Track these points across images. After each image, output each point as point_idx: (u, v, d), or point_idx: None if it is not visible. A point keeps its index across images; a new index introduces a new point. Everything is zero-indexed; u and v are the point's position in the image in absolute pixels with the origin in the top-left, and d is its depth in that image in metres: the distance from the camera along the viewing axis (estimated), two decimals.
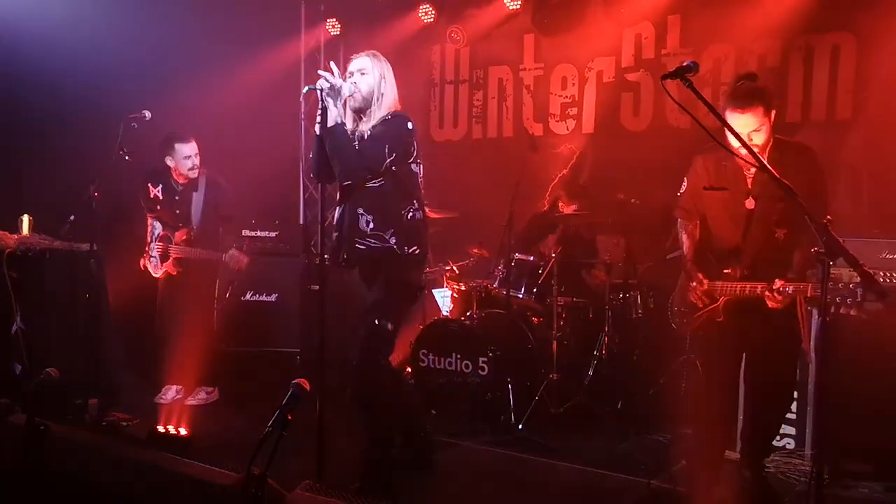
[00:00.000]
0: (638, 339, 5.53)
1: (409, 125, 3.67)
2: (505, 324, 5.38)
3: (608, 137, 6.40)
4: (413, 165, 3.71)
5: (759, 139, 3.34)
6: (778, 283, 3.29)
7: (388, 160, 3.57)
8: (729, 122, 3.23)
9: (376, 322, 3.61)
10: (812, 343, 3.52)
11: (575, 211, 5.76)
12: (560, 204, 5.94)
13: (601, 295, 5.47)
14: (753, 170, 3.42)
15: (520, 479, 4.20)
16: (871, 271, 2.45)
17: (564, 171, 6.10)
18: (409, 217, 3.69)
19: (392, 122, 3.65)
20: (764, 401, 3.71)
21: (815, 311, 3.98)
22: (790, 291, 3.28)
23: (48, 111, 5.67)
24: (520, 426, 4.84)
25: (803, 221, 3.29)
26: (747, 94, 3.34)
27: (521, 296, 5.50)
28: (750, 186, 3.48)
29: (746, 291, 3.43)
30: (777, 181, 2.62)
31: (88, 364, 4.75)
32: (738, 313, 3.51)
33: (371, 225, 3.63)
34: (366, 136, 3.61)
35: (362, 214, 3.64)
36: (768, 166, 2.72)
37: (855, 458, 4.00)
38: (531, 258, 5.55)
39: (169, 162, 5.35)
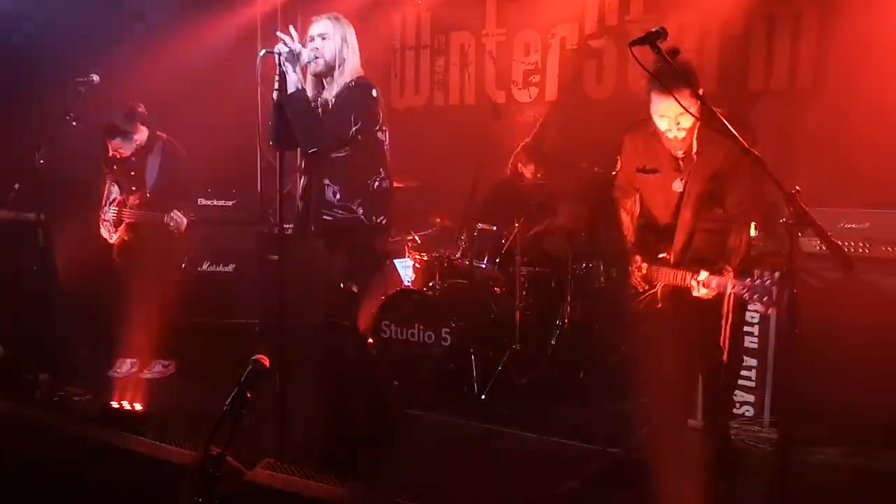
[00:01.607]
0: (600, 309, 5.53)
1: (374, 92, 3.59)
2: (468, 294, 5.34)
3: (571, 105, 6.34)
4: (379, 133, 3.63)
5: (686, 122, 3.21)
6: (703, 275, 3.25)
7: (354, 128, 3.49)
8: (653, 104, 3.16)
9: (340, 285, 3.58)
10: (727, 341, 3.40)
11: (537, 179, 5.72)
12: (521, 170, 5.88)
13: (564, 264, 5.45)
14: (681, 152, 3.35)
15: (483, 449, 4.20)
16: (838, 242, 2.44)
17: (527, 139, 6.03)
18: (375, 186, 3.63)
19: (356, 90, 3.55)
20: (713, 380, 3.73)
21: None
22: (713, 285, 3.24)
23: None
24: (483, 396, 4.83)
25: (737, 202, 3.32)
26: (670, 74, 3.06)
27: (483, 266, 5.45)
28: (680, 167, 3.39)
29: (678, 280, 3.38)
30: (745, 150, 2.59)
31: (38, 338, 4.60)
32: (676, 300, 3.47)
33: (338, 196, 3.57)
34: (329, 104, 3.51)
35: (328, 185, 3.57)
36: (736, 133, 2.66)
37: (812, 424, 4.06)
38: (494, 227, 5.50)
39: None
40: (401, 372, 5.13)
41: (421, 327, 5.12)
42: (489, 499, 3.59)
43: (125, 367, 5.29)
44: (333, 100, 3.53)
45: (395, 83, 7.19)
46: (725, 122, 2.69)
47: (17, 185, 4.54)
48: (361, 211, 3.58)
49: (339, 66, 3.56)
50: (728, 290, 3.20)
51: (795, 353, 2.71)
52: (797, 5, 5.44)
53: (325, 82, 3.60)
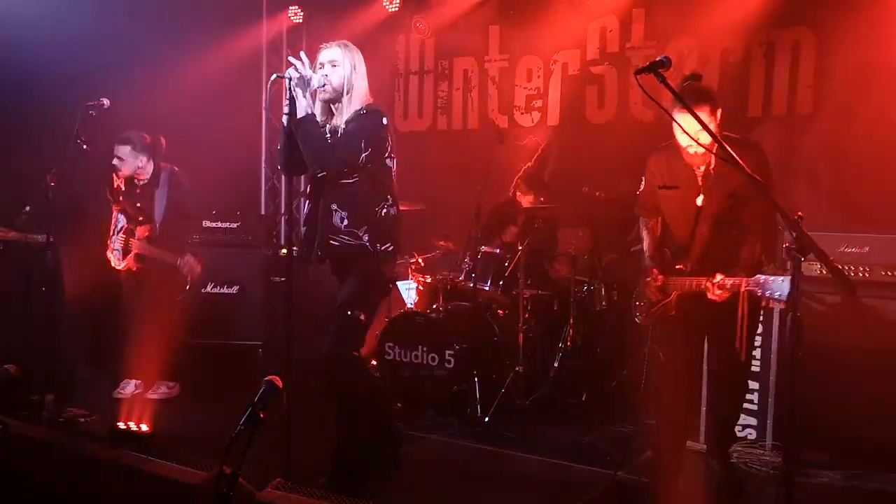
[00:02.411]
0: (602, 331, 5.58)
1: (384, 120, 3.61)
2: (471, 316, 5.37)
3: (573, 130, 6.43)
4: (388, 160, 3.65)
5: (706, 139, 3.31)
6: (718, 277, 3.41)
7: (364, 154, 3.51)
8: (675, 121, 3.27)
9: (349, 313, 3.57)
10: (745, 341, 3.50)
11: (538, 203, 5.77)
12: (519, 196, 5.95)
13: (566, 287, 5.49)
14: (702, 168, 3.53)
15: (487, 471, 4.21)
16: (841, 267, 2.48)
17: (529, 164, 6.10)
18: (382, 214, 3.64)
19: (367, 117, 3.57)
20: (720, 388, 3.86)
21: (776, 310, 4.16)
22: (728, 285, 3.38)
23: (3, 99, 5.49)
24: (486, 418, 4.85)
25: (751, 218, 3.50)
26: (693, 94, 3.37)
27: (487, 288, 5.49)
28: (700, 184, 3.56)
29: (693, 286, 3.52)
30: (748, 177, 2.64)
31: (44, 358, 4.62)
32: (690, 307, 3.60)
33: (345, 222, 3.58)
34: (340, 131, 3.55)
35: (336, 211, 3.58)
36: (740, 161, 2.73)
37: (813, 447, 4.08)
38: (497, 251, 5.55)
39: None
40: (405, 394, 5.16)
41: (424, 349, 5.14)
42: None
43: (129, 387, 5.31)
44: (344, 126, 3.56)
45: (398, 107, 7.27)
46: (729, 148, 2.74)
47: (27, 208, 4.57)
48: (367, 238, 3.59)
49: (348, 93, 3.59)
50: (742, 288, 3.33)
51: (797, 377, 2.75)
52: (796, 33, 5.53)
53: (334, 109, 3.64)
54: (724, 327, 3.52)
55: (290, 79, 3.37)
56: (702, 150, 3.39)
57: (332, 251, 3.62)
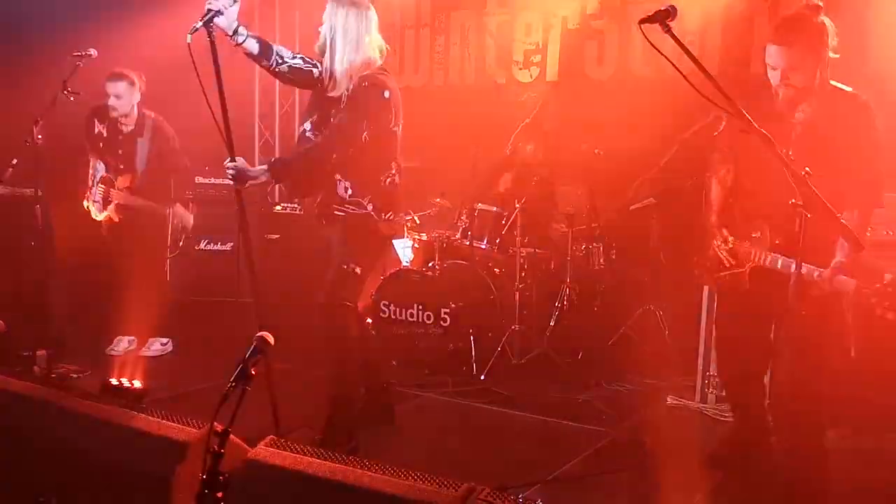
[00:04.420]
0: (599, 290, 5.55)
1: (387, 93, 3.46)
2: (467, 275, 5.33)
3: (572, 86, 6.31)
4: (393, 128, 3.56)
5: (797, 80, 2.88)
6: (829, 271, 2.79)
7: (365, 133, 3.44)
8: (766, 54, 2.92)
9: (345, 266, 3.54)
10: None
11: (538, 160, 5.69)
12: (520, 149, 5.85)
13: (563, 246, 5.44)
14: (801, 115, 2.95)
15: (482, 429, 4.21)
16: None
17: (527, 120, 5.99)
18: (386, 182, 3.61)
19: (369, 92, 3.42)
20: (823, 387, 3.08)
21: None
22: (843, 284, 2.78)
23: None
24: (482, 377, 4.84)
25: (853, 183, 2.85)
26: (786, 25, 2.88)
27: (483, 246, 5.43)
28: (790, 133, 2.94)
29: (779, 266, 2.97)
30: (748, 126, 2.51)
31: (35, 314, 4.56)
32: (768, 287, 3.03)
33: (350, 191, 3.54)
34: (343, 101, 3.43)
35: (340, 180, 3.54)
36: (747, 116, 2.55)
37: None
38: (494, 208, 5.48)
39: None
40: (400, 352, 5.14)
41: (420, 307, 5.11)
42: (488, 478, 3.58)
43: (122, 344, 5.27)
44: (346, 99, 3.44)
45: (394, 61, 7.12)
46: (730, 97, 2.59)
47: (14, 161, 4.46)
48: (371, 207, 3.57)
49: (332, 55, 3.44)
50: (850, 289, 2.77)
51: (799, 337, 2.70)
52: None
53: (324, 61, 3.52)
54: (831, 324, 2.92)
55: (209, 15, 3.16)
56: (791, 92, 2.89)
57: (336, 220, 3.59)
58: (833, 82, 2.95)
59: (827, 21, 2.89)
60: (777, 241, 3.01)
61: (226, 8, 3.18)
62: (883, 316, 2.63)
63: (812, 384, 2.97)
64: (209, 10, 3.14)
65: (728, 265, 3.20)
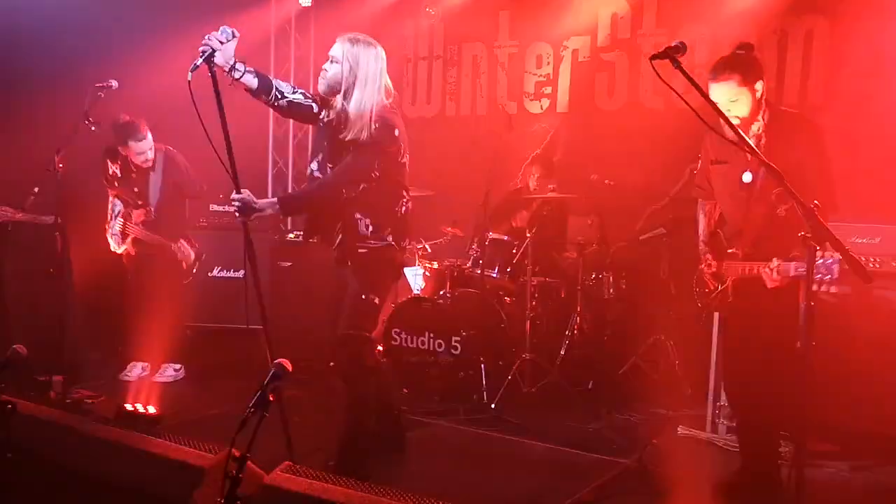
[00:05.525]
0: (609, 320, 5.57)
1: (397, 132, 3.51)
2: (478, 303, 5.36)
3: (582, 117, 6.39)
4: (402, 160, 3.61)
5: (738, 111, 3.22)
6: (775, 262, 3.15)
7: (376, 172, 3.50)
8: (709, 93, 3.16)
9: (363, 297, 3.57)
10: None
11: (548, 191, 5.74)
12: (532, 182, 5.92)
13: (574, 275, 5.48)
14: (753, 139, 3.26)
15: (492, 457, 4.21)
16: (857, 256, 2.45)
17: (538, 150, 6.06)
18: (403, 212, 3.67)
19: (380, 133, 3.45)
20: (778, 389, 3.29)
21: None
22: (791, 272, 3.10)
23: (11, 81, 5.48)
24: (492, 405, 4.85)
25: (806, 195, 2.95)
26: (721, 63, 3.27)
27: (494, 275, 5.48)
28: (748, 159, 3.30)
29: (747, 271, 3.30)
30: (763, 162, 2.60)
31: (52, 340, 4.62)
32: (747, 294, 3.36)
33: (370, 228, 3.58)
34: (360, 140, 3.47)
35: (360, 219, 3.57)
36: (751, 143, 2.69)
37: (821, 438, 4.07)
38: (505, 237, 5.53)
39: (123, 151, 5.22)
40: (411, 380, 5.16)
41: (431, 335, 5.14)
42: None
43: (136, 370, 5.33)
44: (360, 140, 3.46)
45: (407, 92, 7.23)
46: (740, 132, 2.69)
47: (36, 189, 4.56)
48: (391, 238, 3.62)
49: (347, 97, 3.48)
50: (791, 273, 3.09)
51: (809, 368, 2.72)
52: (809, 22, 5.47)
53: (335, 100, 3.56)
54: (782, 319, 3.08)
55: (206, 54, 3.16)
56: (736, 122, 3.07)
57: (361, 258, 3.60)
58: (783, 107, 3.41)
59: (756, 56, 3.35)
60: (748, 252, 3.35)
61: (221, 45, 3.20)
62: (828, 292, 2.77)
63: (761, 377, 3.32)
64: (203, 50, 3.17)
65: (713, 287, 3.53)
